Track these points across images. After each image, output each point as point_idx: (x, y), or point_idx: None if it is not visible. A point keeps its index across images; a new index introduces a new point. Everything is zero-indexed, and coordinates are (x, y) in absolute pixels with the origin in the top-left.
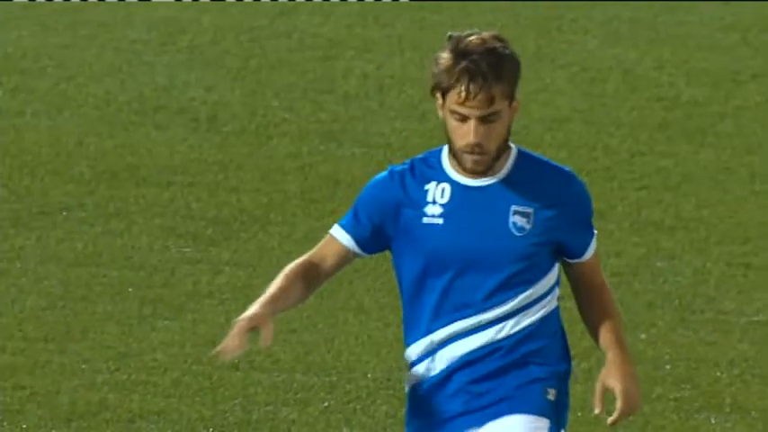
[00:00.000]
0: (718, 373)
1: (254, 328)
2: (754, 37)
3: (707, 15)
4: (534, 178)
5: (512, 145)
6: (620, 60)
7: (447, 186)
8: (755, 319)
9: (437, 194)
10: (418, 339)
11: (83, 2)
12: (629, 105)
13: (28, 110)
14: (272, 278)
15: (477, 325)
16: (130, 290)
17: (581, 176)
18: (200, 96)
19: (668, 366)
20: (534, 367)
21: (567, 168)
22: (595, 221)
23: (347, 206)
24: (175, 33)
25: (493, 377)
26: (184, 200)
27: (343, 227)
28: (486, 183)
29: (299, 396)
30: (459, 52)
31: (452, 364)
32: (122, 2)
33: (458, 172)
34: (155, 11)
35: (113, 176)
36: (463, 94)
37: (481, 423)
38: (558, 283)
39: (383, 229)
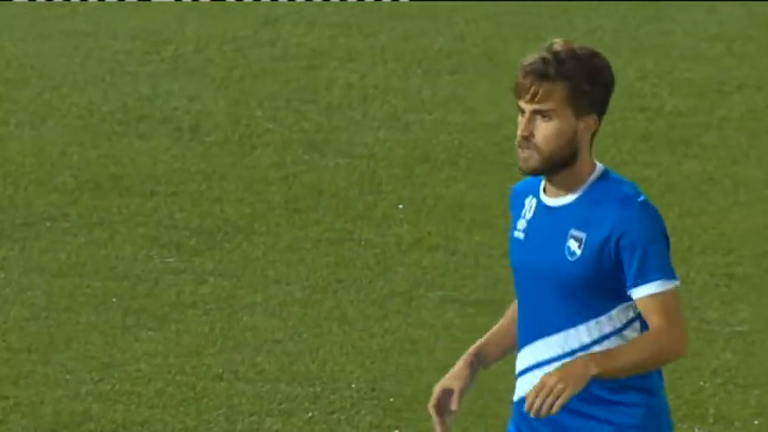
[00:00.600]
0: (702, 383)
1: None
2: (738, 47)
3: (691, 25)
4: (597, 201)
5: (598, 166)
6: None
7: (535, 202)
8: (738, 329)
9: (528, 209)
10: (519, 351)
11: (66, 11)
12: (612, 115)
13: (11, 120)
14: (256, 288)
15: (546, 355)
16: (114, 300)
17: None
18: (184, 106)
19: None
20: (603, 413)
21: (631, 191)
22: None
23: (331, 216)
24: (159, 43)
25: (561, 422)
26: (168, 210)
27: None
28: (560, 203)
29: (283, 407)
30: (538, 51)
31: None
32: (106, 11)
33: (545, 190)
34: (138, 20)
35: (97, 186)
36: (519, 87)
37: None
38: (637, 321)
39: None
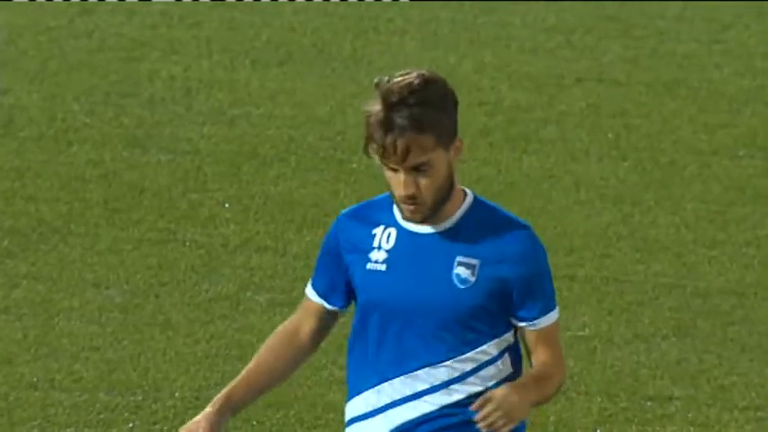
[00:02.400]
0: None
1: None
2: (578, 39)
3: (529, 17)
4: (484, 228)
5: (467, 192)
6: (439, 63)
7: (394, 231)
8: (580, 333)
9: (383, 239)
10: (358, 395)
11: None
12: None
13: None
14: (73, 292)
15: (418, 388)
16: None
17: None
18: None
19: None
20: None
21: (522, 222)
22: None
23: (153, 216)
24: None
25: None
26: None
27: (311, 282)
28: (434, 230)
29: (102, 417)
30: (381, 101)
31: (392, 430)
32: None
33: (404, 217)
34: None
35: None
36: (381, 150)
37: None
38: (510, 350)
39: (338, 277)
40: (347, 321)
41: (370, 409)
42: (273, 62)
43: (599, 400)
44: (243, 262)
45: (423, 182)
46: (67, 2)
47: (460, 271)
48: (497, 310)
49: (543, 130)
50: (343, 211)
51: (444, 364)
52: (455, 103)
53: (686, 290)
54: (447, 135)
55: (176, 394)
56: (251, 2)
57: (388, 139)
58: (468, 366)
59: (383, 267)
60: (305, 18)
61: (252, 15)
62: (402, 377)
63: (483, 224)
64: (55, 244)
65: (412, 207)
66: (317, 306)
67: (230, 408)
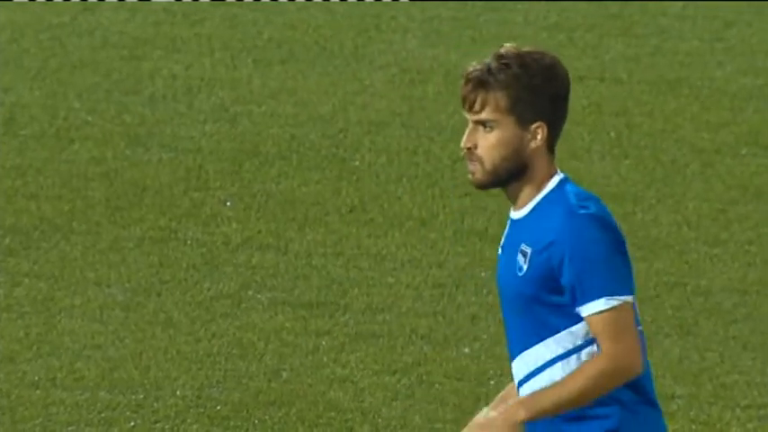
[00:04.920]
0: None
1: None
2: (579, 37)
3: (531, 15)
4: (545, 214)
5: (555, 177)
6: (441, 61)
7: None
8: None
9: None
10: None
11: None
12: (451, 109)
13: None
14: (75, 290)
15: (524, 372)
16: None
17: (404, 183)
18: None
19: (492, 382)
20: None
21: (575, 202)
22: (421, 230)
23: (154, 213)
24: None
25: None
26: None
27: None
28: (517, 216)
29: (103, 415)
30: (485, 58)
31: None
32: None
33: (512, 204)
34: None
35: None
36: (461, 95)
37: None
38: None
39: None
40: (346, 321)
41: (516, 380)
42: (275, 60)
43: None
44: (244, 260)
45: (483, 140)
46: (69, 0)
47: (519, 258)
48: (558, 296)
49: None
50: None
51: (532, 350)
52: (551, 91)
53: (688, 288)
54: (526, 111)
55: (178, 393)
56: (253, 0)
57: (465, 86)
58: (558, 351)
59: (500, 252)
60: (307, 16)
61: (254, 13)
62: (517, 359)
63: (546, 211)
64: (56, 242)
65: (470, 166)
66: None
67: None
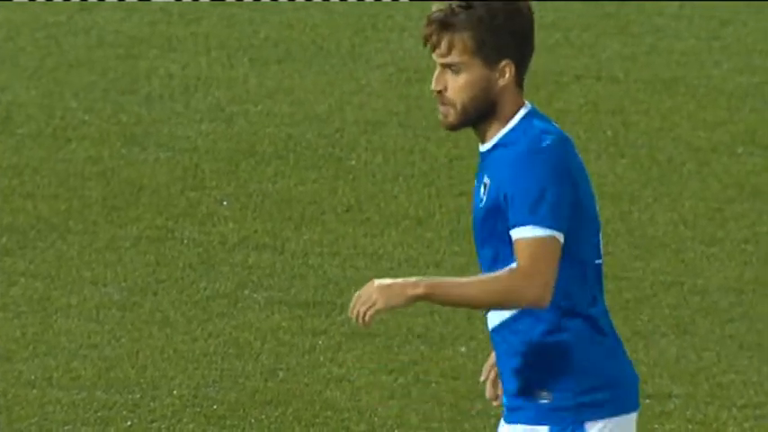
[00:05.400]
0: None
1: None
2: (576, 37)
3: None
4: (507, 148)
5: (521, 111)
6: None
7: None
8: None
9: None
10: None
11: None
12: None
13: None
14: (71, 290)
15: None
16: None
17: (401, 182)
18: None
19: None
20: (530, 367)
21: (531, 137)
22: (417, 230)
23: (151, 213)
24: None
25: (501, 366)
26: None
27: None
28: (484, 149)
29: (99, 414)
30: None
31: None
32: None
33: (480, 140)
34: None
35: None
36: (424, 37)
37: (507, 420)
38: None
39: None
40: (342, 321)
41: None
42: (272, 59)
43: None
44: (241, 260)
45: (452, 83)
46: None
47: (481, 190)
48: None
49: None
50: None
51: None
52: (514, 29)
53: (685, 287)
54: (490, 51)
55: (174, 392)
56: None
57: (427, 28)
58: None
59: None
60: (304, 15)
61: (250, 12)
62: None
63: (508, 144)
64: (53, 241)
65: (441, 108)
66: None
67: None
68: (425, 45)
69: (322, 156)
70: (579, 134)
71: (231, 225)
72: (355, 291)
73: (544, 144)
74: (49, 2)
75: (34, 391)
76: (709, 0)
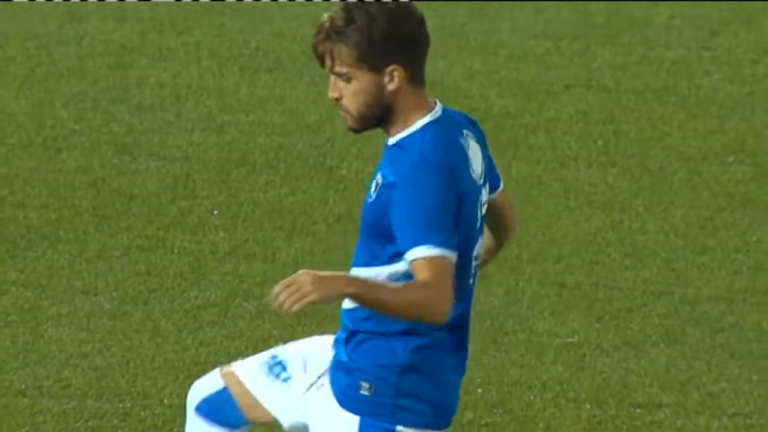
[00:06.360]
0: (532, 397)
1: None
2: (566, 46)
3: (518, 23)
4: (400, 153)
5: (426, 118)
6: (427, 70)
7: None
8: (569, 340)
9: None
10: None
11: None
12: None
13: None
14: (62, 299)
15: None
16: None
17: None
18: None
19: (480, 390)
20: (362, 354)
21: (423, 149)
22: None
23: (142, 222)
24: None
25: (336, 340)
26: None
27: None
28: (388, 143)
29: (90, 424)
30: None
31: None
32: None
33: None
34: None
35: None
36: (312, 46)
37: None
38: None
39: None
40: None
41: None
42: (263, 69)
43: (588, 407)
44: (232, 269)
45: (345, 91)
46: (57, 8)
47: (372, 186)
48: (388, 234)
49: (532, 137)
50: None
51: (359, 272)
52: (396, 35)
53: (675, 296)
54: (375, 58)
55: (165, 401)
56: (240, 8)
57: (314, 39)
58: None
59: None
60: (295, 25)
61: (241, 22)
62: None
63: (402, 150)
64: (43, 251)
65: (341, 113)
66: None
67: None
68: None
69: (313, 165)
70: (570, 143)
71: (222, 234)
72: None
73: (436, 159)
74: (39, 11)
75: (25, 400)
76: (699, 10)
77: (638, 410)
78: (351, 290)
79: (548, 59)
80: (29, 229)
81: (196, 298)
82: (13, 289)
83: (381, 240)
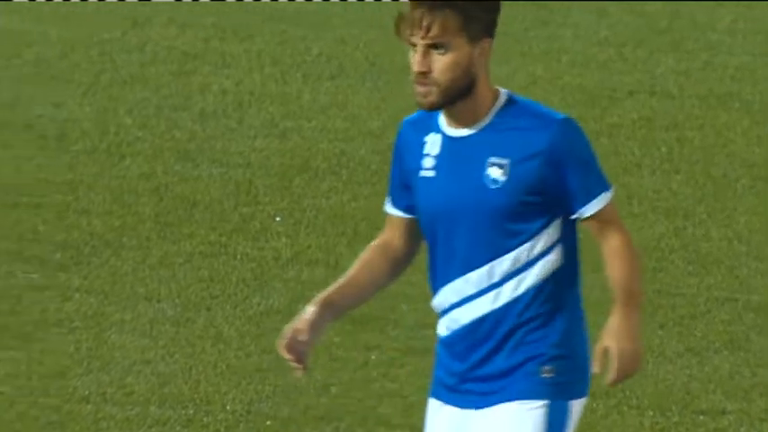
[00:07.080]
0: (594, 404)
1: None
2: (630, 52)
3: (581, 29)
4: (516, 126)
5: (501, 92)
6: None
7: (439, 138)
8: None
9: (431, 146)
10: (433, 297)
11: None
12: None
13: None
14: (125, 305)
15: (468, 292)
16: None
17: None
18: (48, 113)
19: None
20: (527, 345)
21: (553, 114)
22: None
23: (204, 229)
24: (21, 46)
25: (487, 351)
26: (31, 222)
27: (388, 198)
28: (468, 133)
29: (153, 430)
30: None
31: (456, 329)
32: None
33: (448, 123)
34: None
35: None
36: (410, 20)
37: (477, 406)
38: (560, 244)
39: (405, 185)
40: (396, 336)
41: (439, 309)
42: (325, 75)
43: (651, 413)
44: (294, 275)
45: (437, 63)
46: (120, 15)
47: (492, 172)
48: (538, 207)
49: (596, 143)
50: (405, 119)
51: (495, 262)
52: (496, 5)
53: (739, 303)
54: (476, 28)
55: (227, 407)
56: (302, 15)
57: (415, 11)
58: (511, 268)
59: (432, 174)
60: (357, 31)
61: (303, 29)
62: (456, 281)
63: (515, 122)
64: (107, 257)
65: (422, 89)
66: (398, 219)
67: (332, 311)
68: (406, 29)
69: (375, 171)
70: (634, 150)
71: (284, 240)
72: (408, 306)
73: (564, 114)
74: (103, 19)
75: (88, 406)
76: (762, 12)
77: (702, 417)
78: (636, 317)
79: (611, 65)
80: (92, 235)
81: (259, 304)
82: (77, 295)
83: (516, 221)
